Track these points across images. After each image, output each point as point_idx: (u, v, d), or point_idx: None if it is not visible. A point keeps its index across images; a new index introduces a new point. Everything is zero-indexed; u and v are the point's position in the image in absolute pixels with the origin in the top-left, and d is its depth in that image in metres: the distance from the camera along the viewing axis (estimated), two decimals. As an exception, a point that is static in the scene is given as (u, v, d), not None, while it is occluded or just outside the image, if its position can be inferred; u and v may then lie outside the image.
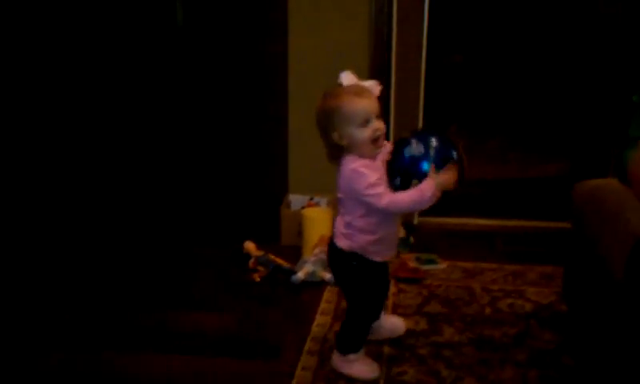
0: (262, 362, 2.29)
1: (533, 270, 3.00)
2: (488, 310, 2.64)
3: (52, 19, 3.34)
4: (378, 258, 2.13)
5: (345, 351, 2.19)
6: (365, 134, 1.96)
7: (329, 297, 2.74)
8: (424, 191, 1.94)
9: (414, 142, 2.02)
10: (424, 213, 3.53)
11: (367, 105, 1.96)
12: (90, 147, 3.50)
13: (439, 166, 1.98)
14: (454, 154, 2.02)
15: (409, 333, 2.44)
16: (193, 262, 3.14)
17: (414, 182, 1.97)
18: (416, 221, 3.52)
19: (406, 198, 1.97)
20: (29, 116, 3.36)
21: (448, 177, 1.96)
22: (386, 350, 2.33)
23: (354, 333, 2.20)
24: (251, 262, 3.01)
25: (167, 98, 3.49)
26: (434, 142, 2.02)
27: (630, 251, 1.82)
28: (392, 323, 2.41)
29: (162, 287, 2.88)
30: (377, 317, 2.31)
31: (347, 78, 1.99)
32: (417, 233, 3.38)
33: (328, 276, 2.77)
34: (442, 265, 3.04)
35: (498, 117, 4.74)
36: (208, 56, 3.44)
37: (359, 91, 1.97)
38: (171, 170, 3.55)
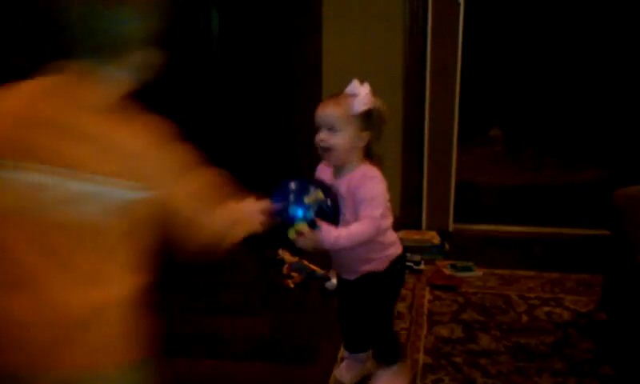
0: (296, 368, 2.29)
1: (571, 277, 2.96)
2: (525, 318, 2.60)
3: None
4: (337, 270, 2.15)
5: None
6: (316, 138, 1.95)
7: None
8: None
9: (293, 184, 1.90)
10: (459, 219, 3.52)
11: (321, 113, 1.93)
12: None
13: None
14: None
15: (445, 340, 2.42)
16: (228, 268, 3.15)
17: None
18: (451, 228, 3.49)
19: None
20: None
21: None
22: (422, 358, 2.32)
23: None
24: (285, 268, 3.02)
25: (203, 105, 3.52)
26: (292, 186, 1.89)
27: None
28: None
29: (196, 292, 2.90)
30: (343, 330, 2.24)
31: (350, 87, 1.94)
32: (452, 240, 3.35)
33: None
34: (478, 272, 3.01)
35: (536, 123, 4.69)
36: (243, 64, 3.46)
37: (332, 99, 1.94)
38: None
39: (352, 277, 2.05)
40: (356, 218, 1.89)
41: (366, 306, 2.07)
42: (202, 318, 2.66)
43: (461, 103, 3.40)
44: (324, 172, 2.03)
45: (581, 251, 3.25)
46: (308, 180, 1.96)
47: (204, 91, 3.50)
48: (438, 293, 2.82)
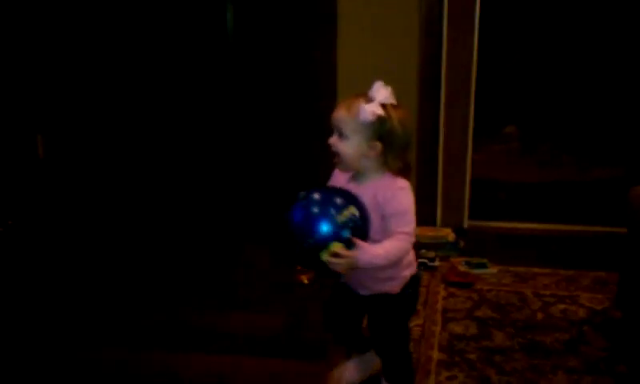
0: (309, 364, 2.29)
1: (586, 275, 2.94)
2: (540, 316, 2.59)
3: (102, 25, 3.42)
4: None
5: None
6: None
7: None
8: None
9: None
10: (474, 216, 3.50)
11: (334, 115, 1.82)
12: (143, 149, 3.56)
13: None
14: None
15: (459, 337, 2.41)
16: (242, 263, 3.16)
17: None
18: (466, 224, 3.48)
19: None
20: (87, 120, 3.46)
21: None
22: (436, 354, 2.32)
23: None
24: (300, 264, 3.02)
25: (217, 101, 3.53)
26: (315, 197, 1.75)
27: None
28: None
29: (211, 288, 2.91)
30: (326, 328, 2.18)
31: (372, 89, 1.81)
32: (467, 237, 3.34)
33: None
34: (493, 269, 3.00)
35: (551, 120, 4.66)
36: (257, 61, 3.47)
37: (348, 100, 1.83)
38: (223, 172, 3.58)
39: (364, 292, 1.96)
40: (381, 233, 1.79)
41: (376, 326, 2.00)
42: (215, 314, 2.67)
43: (476, 100, 3.39)
44: (339, 176, 1.93)
45: (596, 249, 3.23)
46: (332, 189, 1.83)
47: (218, 87, 3.50)
48: (452, 290, 2.82)
